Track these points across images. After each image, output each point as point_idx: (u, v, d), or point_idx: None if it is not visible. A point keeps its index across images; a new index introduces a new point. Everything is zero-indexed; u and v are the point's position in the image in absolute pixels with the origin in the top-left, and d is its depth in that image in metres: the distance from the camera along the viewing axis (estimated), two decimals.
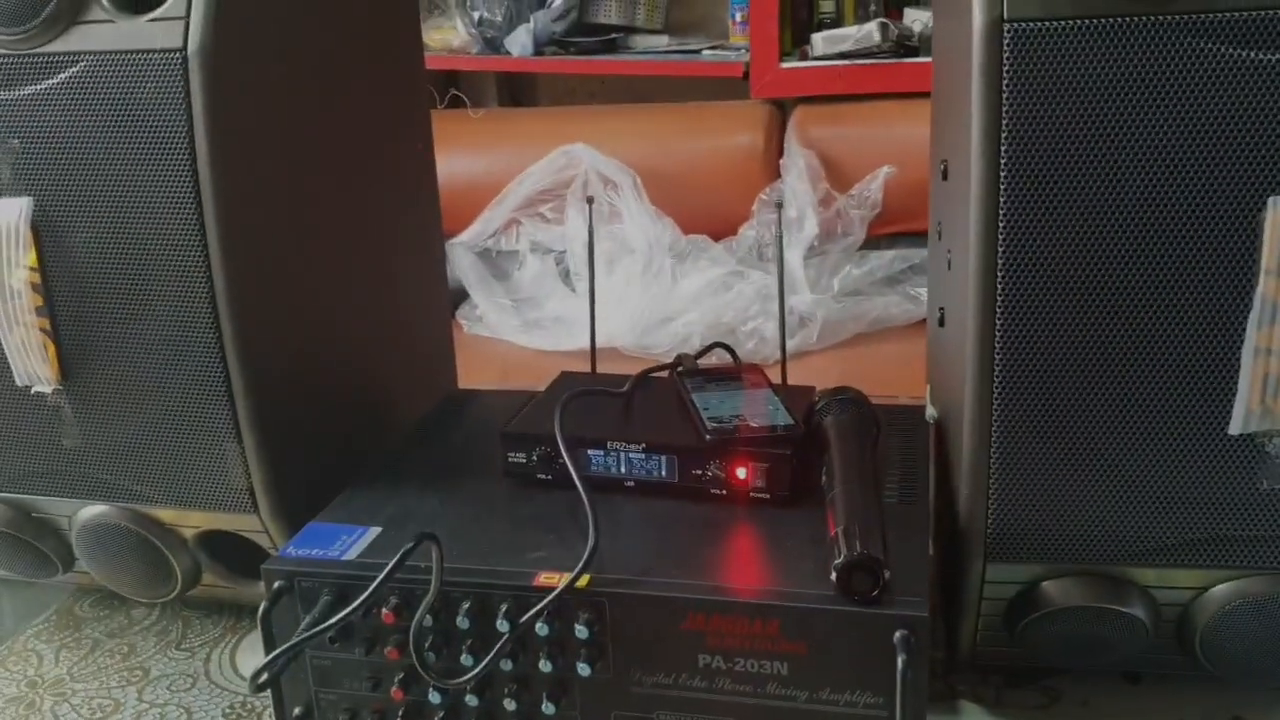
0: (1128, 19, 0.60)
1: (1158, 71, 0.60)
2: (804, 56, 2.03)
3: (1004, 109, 0.61)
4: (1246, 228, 0.61)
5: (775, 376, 0.90)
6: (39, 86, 0.72)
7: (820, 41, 2.00)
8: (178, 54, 0.70)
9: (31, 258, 0.75)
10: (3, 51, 0.72)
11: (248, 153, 0.74)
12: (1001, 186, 0.62)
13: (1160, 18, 0.59)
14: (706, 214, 1.98)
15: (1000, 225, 0.63)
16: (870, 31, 1.96)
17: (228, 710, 0.79)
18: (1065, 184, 0.62)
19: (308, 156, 0.82)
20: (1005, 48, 0.61)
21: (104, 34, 0.71)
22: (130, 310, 0.76)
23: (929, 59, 0.99)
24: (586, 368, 0.97)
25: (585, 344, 0.99)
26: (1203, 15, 0.59)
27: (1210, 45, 0.59)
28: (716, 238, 1.95)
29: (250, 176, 0.75)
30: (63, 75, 0.71)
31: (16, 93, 0.72)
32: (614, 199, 1.96)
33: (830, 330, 1.80)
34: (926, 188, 0.95)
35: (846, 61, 1.97)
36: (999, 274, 0.64)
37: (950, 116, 0.76)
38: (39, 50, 0.72)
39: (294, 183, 0.81)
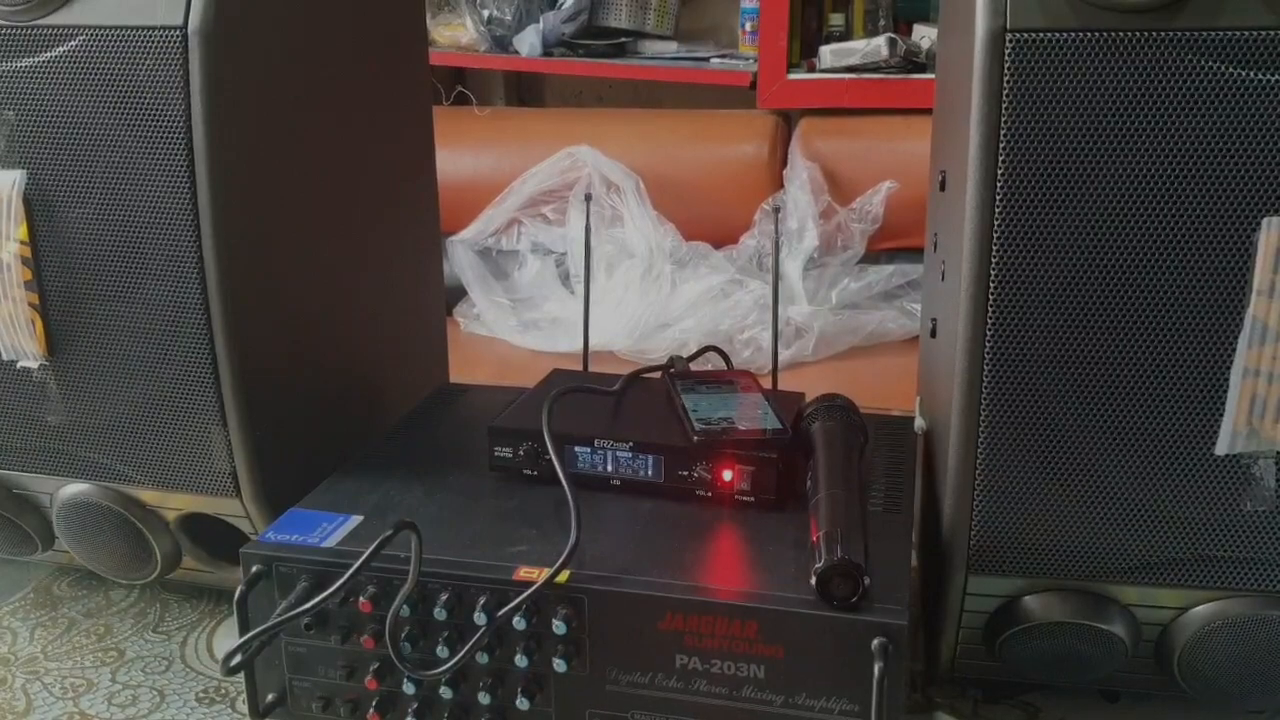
0: (1130, 33, 0.59)
1: (1157, 88, 0.60)
2: (811, 69, 2.03)
3: (1003, 118, 0.61)
4: (1240, 248, 0.61)
5: (768, 384, 0.90)
6: (36, 59, 0.72)
7: (828, 54, 2.00)
8: (178, 31, 0.69)
9: (22, 231, 0.75)
10: (1, 22, 0.72)
11: (245, 136, 0.74)
12: (997, 196, 0.62)
13: (1163, 33, 0.59)
14: (708, 221, 1.98)
15: (994, 235, 0.63)
16: (878, 46, 1.96)
17: (201, 694, 0.79)
18: (1061, 196, 0.62)
19: (305, 144, 0.82)
20: (1007, 57, 0.61)
21: (104, 8, 0.70)
22: (120, 289, 0.75)
23: (933, 76, 1.00)
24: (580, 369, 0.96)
25: (581, 346, 0.99)
26: (1205, 33, 0.59)
27: (1211, 64, 0.59)
28: (717, 245, 1.95)
29: (246, 160, 0.74)
30: (61, 48, 0.71)
31: (13, 65, 0.72)
32: (616, 202, 1.95)
33: (826, 342, 1.80)
34: (927, 203, 0.95)
35: (854, 75, 1.98)
36: (991, 285, 0.64)
37: (950, 128, 0.76)
38: (37, 22, 0.71)
39: (290, 170, 0.80)
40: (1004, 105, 0.61)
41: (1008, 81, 0.61)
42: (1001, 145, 0.62)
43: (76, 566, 0.89)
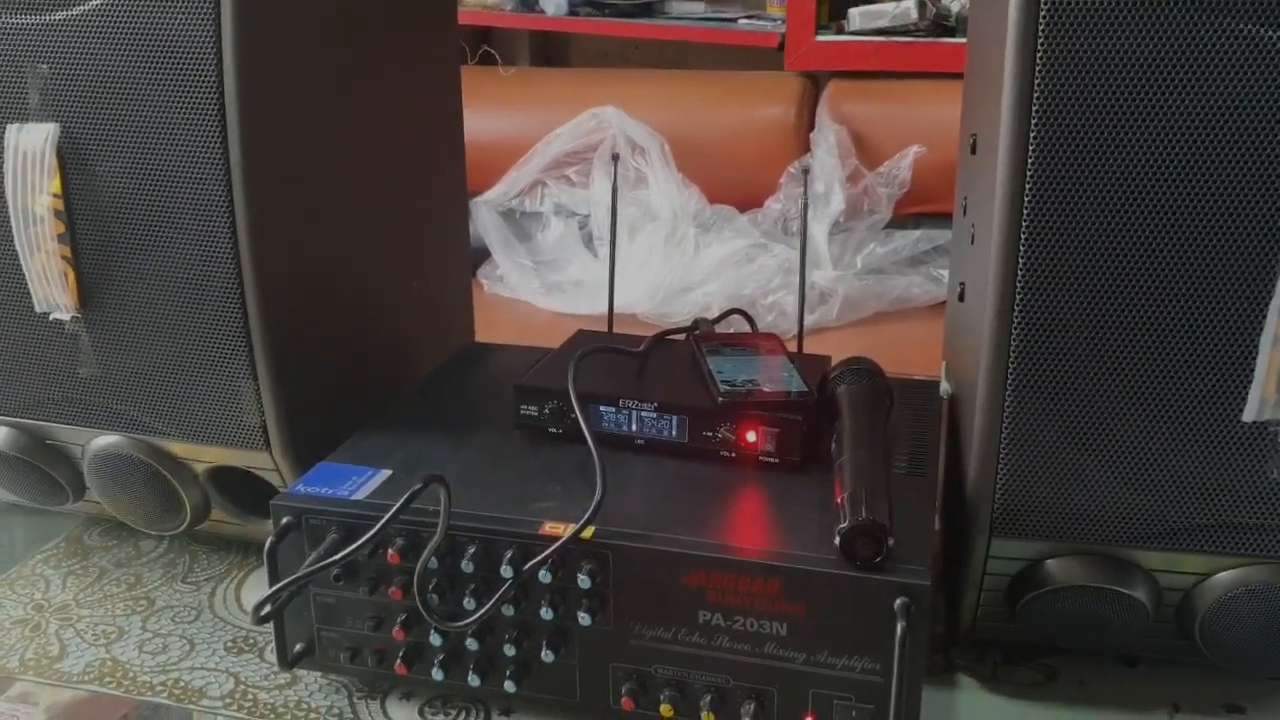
0: None
1: (1191, 49, 0.59)
2: (840, 30, 2.01)
3: (1036, 80, 0.61)
4: (1273, 214, 0.60)
5: (793, 348, 0.90)
6: (70, 13, 0.72)
7: (857, 16, 1.98)
8: None
9: (56, 184, 0.75)
10: None
11: (275, 93, 0.74)
12: (1029, 158, 0.62)
13: None
14: (734, 184, 1.96)
15: (1026, 197, 0.63)
16: (908, 9, 1.94)
17: (230, 643, 0.80)
18: (1093, 157, 0.61)
19: (335, 102, 0.82)
20: (1042, 18, 0.60)
21: None
22: (152, 243, 0.76)
23: (965, 40, 0.98)
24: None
25: (604, 309, 0.99)
26: None
27: (1243, 25, 0.58)
28: (742, 209, 1.94)
29: (276, 117, 0.75)
30: (94, 2, 0.71)
31: (47, 18, 0.72)
32: (641, 164, 1.94)
33: (850, 307, 1.79)
34: (955, 169, 0.94)
35: (882, 38, 1.95)
36: (1021, 247, 0.63)
37: (982, 91, 0.75)
38: None
39: (320, 127, 0.81)
40: (1038, 67, 0.61)
41: (1042, 43, 0.60)
42: (1035, 107, 0.61)
43: (107, 517, 0.90)
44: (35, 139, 0.75)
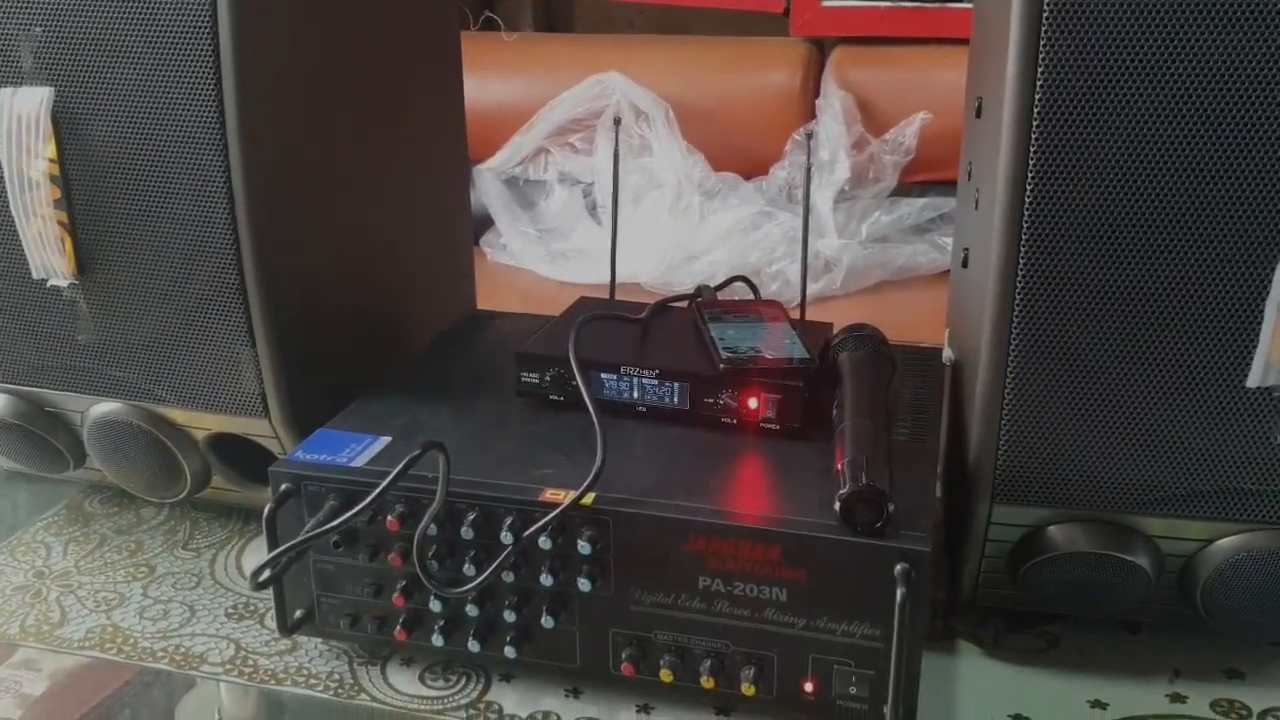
0: None
1: (1198, 12, 0.58)
2: None
3: (1042, 41, 0.60)
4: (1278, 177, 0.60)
5: (796, 316, 0.90)
6: None
7: None
8: None
9: (51, 149, 0.75)
10: None
11: (272, 57, 0.73)
12: (1034, 121, 0.61)
13: None
14: (738, 151, 1.95)
15: (1030, 160, 0.62)
16: None
17: (230, 610, 0.80)
18: (1098, 120, 0.60)
19: (333, 68, 0.81)
20: None
21: None
22: (148, 208, 0.76)
23: (971, 4, 0.97)
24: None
25: (608, 277, 0.98)
26: None
27: None
28: (747, 176, 1.93)
29: (274, 80, 0.74)
30: None
31: None
32: (645, 131, 1.93)
33: (855, 276, 1.79)
34: (961, 135, 0.93)
35: (889, 3, 1.94)
36: (1025, 211, 0.63)
37: (988, 53, 0.74)
38: None
39: (318, 90, 0.80)
40: (1043, 27, 0.60)
41: (1048, 3, 0.59)
42: (1040, 69, 0.60)
43: (108, 484, 0.90)
44: (30, 103, 0.74)
